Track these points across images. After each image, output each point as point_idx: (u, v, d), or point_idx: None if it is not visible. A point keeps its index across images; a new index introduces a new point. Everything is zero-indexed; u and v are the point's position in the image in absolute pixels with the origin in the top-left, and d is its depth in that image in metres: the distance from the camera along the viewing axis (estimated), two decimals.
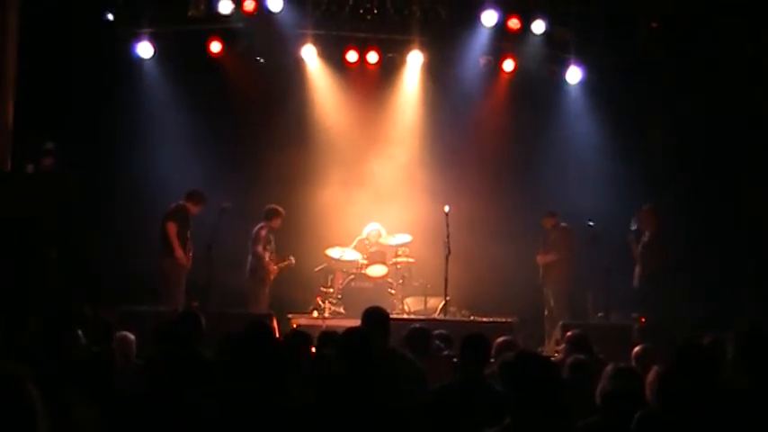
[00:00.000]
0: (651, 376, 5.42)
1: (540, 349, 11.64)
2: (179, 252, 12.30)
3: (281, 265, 13.45)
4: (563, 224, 13.55)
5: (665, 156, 14.22)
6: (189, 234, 12.50)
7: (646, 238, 12.98)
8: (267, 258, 13.12)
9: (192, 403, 4.62)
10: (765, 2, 12.97)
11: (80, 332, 5.75)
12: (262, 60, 14.82)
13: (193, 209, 12.57)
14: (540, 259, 13.59)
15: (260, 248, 13.09)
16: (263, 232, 13.18)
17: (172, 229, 12.32)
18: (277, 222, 13.31)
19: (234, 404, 4.23)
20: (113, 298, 11.53)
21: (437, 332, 7.87)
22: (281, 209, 13.35)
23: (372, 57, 14.92)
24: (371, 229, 14.11)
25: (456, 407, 5.72)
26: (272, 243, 13.32)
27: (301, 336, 6.94)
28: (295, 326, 12.34)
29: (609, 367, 5.48)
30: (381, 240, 14.04)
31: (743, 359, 5.06)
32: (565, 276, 13.49)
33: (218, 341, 5.54)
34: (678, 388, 4.79)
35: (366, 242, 14.00)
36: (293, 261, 13.60)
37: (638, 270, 12.96)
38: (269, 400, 4.16)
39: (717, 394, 4.74)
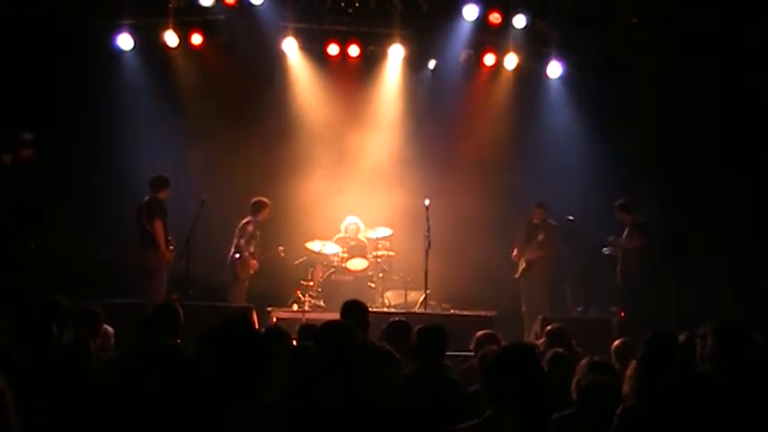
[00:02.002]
0: (630, 370, 5.45)
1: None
2: (164, 247, 12.29)
3: (269, 255, 13.45)
4: (550, 220, 13.57)
5: (644, 150, 14.25)
6: (167, 226, 12.48)
7: (625, 233, 13.05)
8: (247, 253, 13.11)
9: (165, 397, 4.61)
10: None
11: (54, 326, 5.73)
12: (242, 52, 14.74)
13: (162, 195, 12.54)
14: (528, 254, 13.53)
15: (242, 242, 13.08)
16: (251, 228, 13.19)
17: (159, 226, 12.29)
18: (264, 214, 13.32)
19: (211, 398, 4.22)
20: (93, 290, 11.46)
21: (420, 327, 7.85)
22: (267, 200, 13.35)
23: (353, 50, 14.90)
24: (349, 222, 14.10)
25: (416, 396, 5.76)
26: (258, 237, 13.31)
27: (279, 332, 6.92)
28: (275, 319, 12.33)
29: (584, 361, 5.51)
30: (361, 234, 14.03)
31: (721, 354, 5.09)
32: (549, 272, 13.54)
33: (198, 334, 5.52)
34: (654, 381, 4.82)
35: (346, 237, 13.99)
36: (282, 251, 13.58)
37: (619, 265, 13.03)
38: (247, 393, 4.15)
39: (694, 389, 4.76)
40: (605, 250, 13.16)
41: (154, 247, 12.29)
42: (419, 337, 6.33)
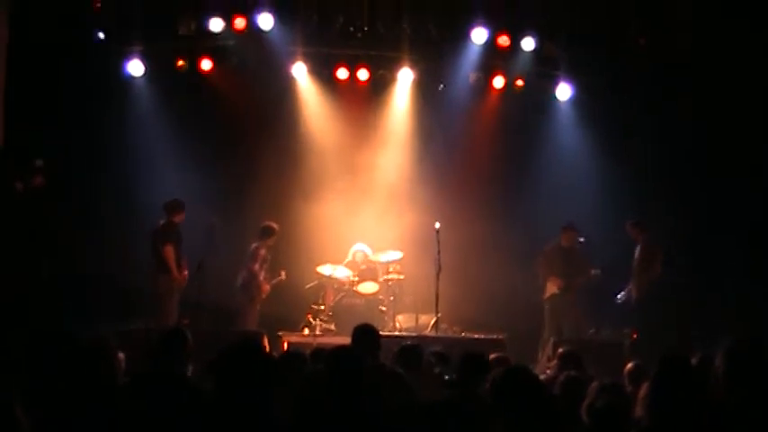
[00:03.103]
0: (642, 392, 5.41)
1: (531, 366, 11.60)
2: (175, 272, 12.35)
3: (273, 281, 13.46)
4: (581, 240, 13.51)
5: (655, 171, 14.24)
6: (181, 251, 12.51)
7: (637, 252, 13.03)
8: (261, 278, 13.13)
9: (177, 423, 4.60)
10: (753, 14, 13.05)
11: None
12: (251, 77, 14.79)
13: (178, 219, 12.60)
14: (568, 278, 13.40)
15: (256, 267, 13.14)
16: (263, 252, 13.23)
17: (170, 251, 12.36)
18: (273, 240, 13.36)
19: (222, 422, 4.21)
20: (105, 315, 11.48)
21: (432, 350, 7.82)
22: (276, 226, 13.38)
23: (363, 74, 14.92)
24: (356, 249, 14.10)
25: (448, 422, 5.72)
26: (269, 261, 13.34)
27: (295, 354, 6.90)
28: (286, 344, 12.30)
29: (594, 384, 5.48)
30: (372, 257, 14.02)
31: (733, 375, 5.05)
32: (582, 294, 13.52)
33: (209, 359, 5.50)
34: (667, 403, 4.79)
35: (353, 262, 13.98)
36: (284, 276, 13.60)
37: (632, 285, 13.01)
38: (258, 419, 4.14)
39: (707, 410, 4.73)
40: (619, 298, 13.16)
41: (165, 272, 12.33)
42: (463, 364, 6.31)
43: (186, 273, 12.44)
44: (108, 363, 7.09)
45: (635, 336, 12.45)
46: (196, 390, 5.37)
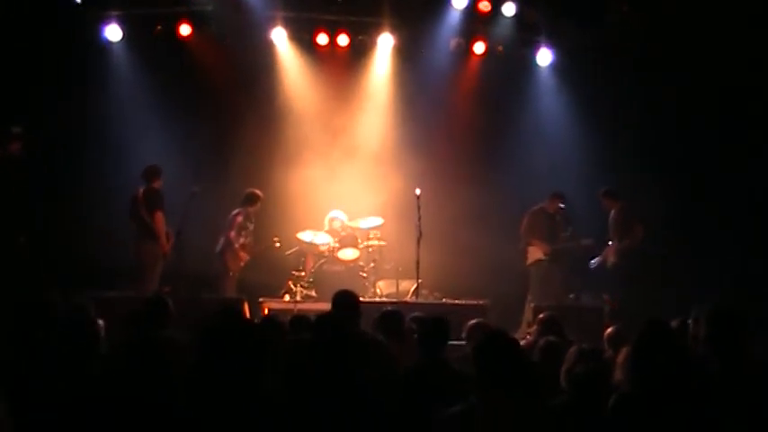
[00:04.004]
0: (622, 357, 5.44)
1: (512, 332, 11.65)
2: (164, 240, 12.26)
3: (264, 247, 13.46)
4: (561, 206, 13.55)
5: (635, 137, 14.25)
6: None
7: (611, 220, 13.10)
8: (238, 245, 13.10)
9: (159, 391, 4.59)
10: None
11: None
12: (231, 43, 14.69)
13: (157, 185, 12.50)
14: (554, 244, 13.46)
15: (233, 234, 13.09)
16: (240, 219, 13.17)
17: (160, 218, 12.24)
18: (256, 207, 13.32)
19: (206, 390, 4.21)
20: (82, 283, 11.43)
21: (413, 315, 7.83)
22: (260, 193, 13.34)
23: (343, 39, 14.84)
24: (332, 217, 14.04)
25: (416, 388, 5.75)
26: (250, 228, 13.30)
27: (275, 322, 6.90)
28: (266, 310, 12.30)
29: (572, 349, 5.51)
30: (352, 223, 14.00)
31: (715, 339, 5.08)
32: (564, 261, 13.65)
33: (191, 327, 5.49)
34: (649, 368, 4.82)
35: (331, 230, 13.95)
36: (278, 242, 13.58)
37: (608, 252, 13.08)
38: (241, 386, 4.13)
39: (688, 375, 4.77)
40: (593, 263, 13.22)
41: (152, 239, 12.23)
42: (422, 327, 6.31)
43: (172, 241, 12.37)
44: (89, 330, 7.09)
45: (612, 301, 12.48)
46: (182, 354, 5.38)
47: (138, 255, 12.36)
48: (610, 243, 13.13)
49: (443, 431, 4.39)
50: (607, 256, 13.13)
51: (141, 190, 12.43)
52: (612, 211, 13.14)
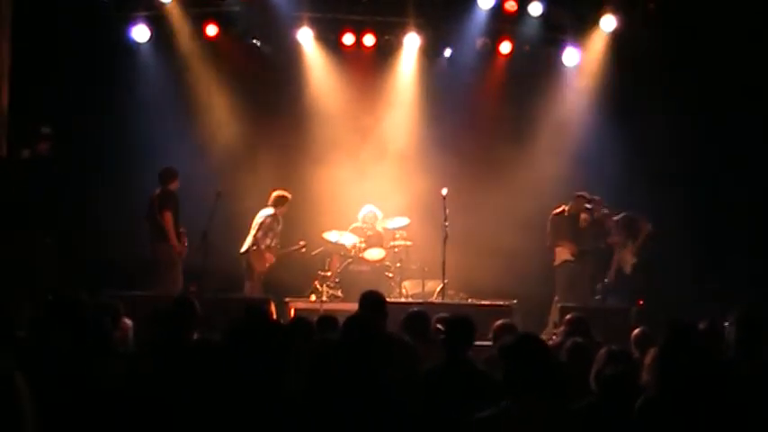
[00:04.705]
0: (649, 359, 5.42)
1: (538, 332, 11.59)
2: (174, 240, 12.32)
3: (290, 249, 13.49)
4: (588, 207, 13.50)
5: (661, 138, 14.15)
6: (179, 219, 12.49)
7: (617, 224, 13.14)
8: (264, 246, 13.11)
9: (187, 390, 4.60)
10: None
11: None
12: (258, 43, 14.74)
13: (173, 187, 12.57)
14: (581, 245, 13.36)
15: (259, 234, 13.10)
16: (268, 220, 13.18)
17: (169, 218, 12.31)
18: (284, 209, 13.34)
19: (229, 390, 4.21)
20: (106, 283, 11.49)
21: (439, 315, 7.81)
22: (288, 195, 13.36)
23: (369, 39, 14.84)
24: (367, 211, 14.05)
25: (441, 389, 5.73)
26: (278, 229, 13.31)
27: (304, 322, 6.90)
28: (293, 310, 12.32)
29: (602, 350, 5.49)
30: (379, 224, 14.01)
31: (744, 343, 5.04)
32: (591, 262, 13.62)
33: (221, 328, 5.51)
34: (676, 370, 4.79)
35: (363, 226, 13.97)
36: (303, 246, 13.62)
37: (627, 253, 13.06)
38: (265, 386, 4.14)
39: (717, 378, 4.73)
40: (606, 283, 13.20)
41: (164, 240, 12.32)
42: (447, 328, 6.27)
43: (186, 240, 12.42)
44: (118, 328, 7.14)
45: (641, 303, 12.41)
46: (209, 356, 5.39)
47: (155, 255, 12.47)
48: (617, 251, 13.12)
49: None
50: (622, 263, 13.07)
51: (157, 192, 12.51)
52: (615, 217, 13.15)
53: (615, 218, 13.18)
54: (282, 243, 13.52)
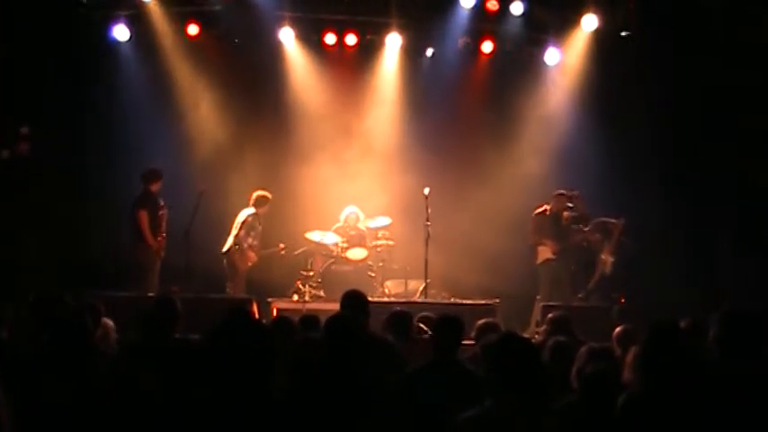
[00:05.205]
0: (630, 356, 5.44)
1: (521, 331, 11.62)
2: (150, 239, 12.33)
3: (269, 251, 13.46)
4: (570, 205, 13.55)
5: (643, 136, 14.20)
6: (161, 217, 12.47)
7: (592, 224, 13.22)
8: (246, 245, 13.08)
9: (168, 392, 4.59)
10: None
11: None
12: (239, 43, 14.70)
13: (155, 188, 12.57)
14: (562, 243, 13.42)
15: (242, 233, 13.06)
16: (249, 220, 13.16)
17: (143, 217, 12.33)
18: (265, 209, 13.31)
19: (215, 392, 4.20)
20: (91, 285, 11.45)
21: (422, 314, 7.81)
22: (269, 195, 13.34)
23: (351, 39, 14.85)
24: (349, 212, 14.06)
25: (429, 389, 5.72)
26: (259, 229, 13.29)
27: (286, 322, 6.90)
28: (275, 310, 12.32)
29: (583, 348, 5.49)
30: (361, 224, 14.01)
31: (727, 341, 5.05)
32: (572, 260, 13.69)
33: (202, 328, 5.49)
34: (658, 368, 4.80)
35: (345, 226, 13.97)
36: (282, 248, 13.61)
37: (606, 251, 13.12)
38: (249, 386, 4.13)
39: (700, 376, 4.75)
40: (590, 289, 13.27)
41: (142, 240, 12.32)
42: (436, 327, 6.25)
43: (162, 239, 12.40)
44: (100, 328, 7.11)
45: (623, 301, 12.47)
46: (192, 356, 5.37)
47: (135, 255, 12.45)
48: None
49: None
50: (602, 264, 13.13)
51: (138, 192, 12.51)
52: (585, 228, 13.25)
53: (586, 228, 13.24)
54: (264, 243, 13.49)
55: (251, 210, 13.24)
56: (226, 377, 4.14)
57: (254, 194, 13.33)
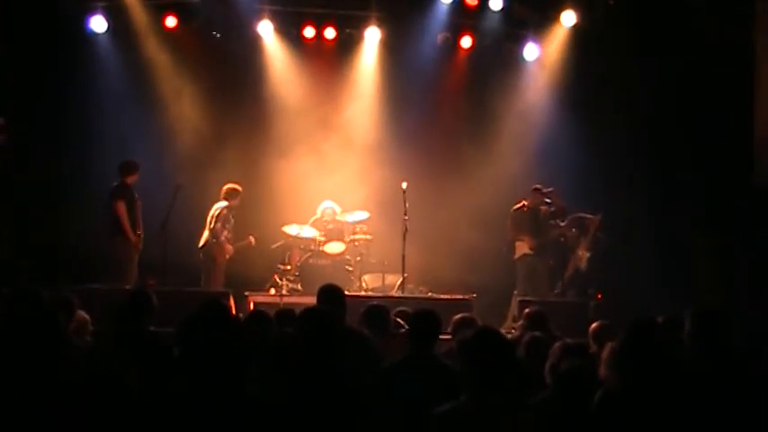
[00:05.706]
0: (606, 352, 5.44)
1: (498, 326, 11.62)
2: (129, 232, 12.20)
3: (240, 244, 13.41)
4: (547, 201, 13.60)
5: (620, 132, 14.25)
6: (137, 210, 12.38)
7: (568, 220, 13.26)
8: (223, 237, 13.02)
9: (143, 386, 4.56)
10: None
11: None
12: (217, 35, 14.63)
13: (131, 180, 12.47)
14: (542, 238, 13.46)
15: (218, 226, 12.99)
16: (224, 212, 13.09)
17: (121, 208, 12.19)
18: (237, 201, 13.25)
19: (190, 385, 4.18)
20: (66, 278, 11.38)
21: (399, 309, 7.80)
22: (239, 188, 13.27)
23: (330, 32, 14.81)
24: (325, 206, 14.04)
25: (406, 383, 5.71)
26: (232, 222, 13.23)
27: (262, 316, 6.87)
28: (252, 304, 12.29)
29: (557, 344, 5.49)
30: (338, 217, 13.99)
31: (699, 338, 5.09)
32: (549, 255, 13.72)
33: (177, 322, 5.46)
34: (635, 364, 4.81)
35: (323, 220, 13.94)
36: (253, 241, 13.56)
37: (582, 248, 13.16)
38: (224, 381, 4.11)
39: (676, 372, 4.76)
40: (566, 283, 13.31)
41: (119, 233, 12.20)
42: (413, 321, 6.24)
43: (140, 233, 12.32)
44: (73, 320, 7.05)
45: (599, 297, 12.52)
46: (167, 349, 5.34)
47: (111, 248, 12.32)
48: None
49: (434, 430, 4.36)
50: (577, 260, 13.18)
51: (114, 184, 12.40)
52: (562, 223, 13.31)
53: (563, 223, 13.29)
54: (240, 236, 13.44)
55: (223, 203, 13.17)
56: (200, 371, 4.12)
57: (225, 187, 13.23)
